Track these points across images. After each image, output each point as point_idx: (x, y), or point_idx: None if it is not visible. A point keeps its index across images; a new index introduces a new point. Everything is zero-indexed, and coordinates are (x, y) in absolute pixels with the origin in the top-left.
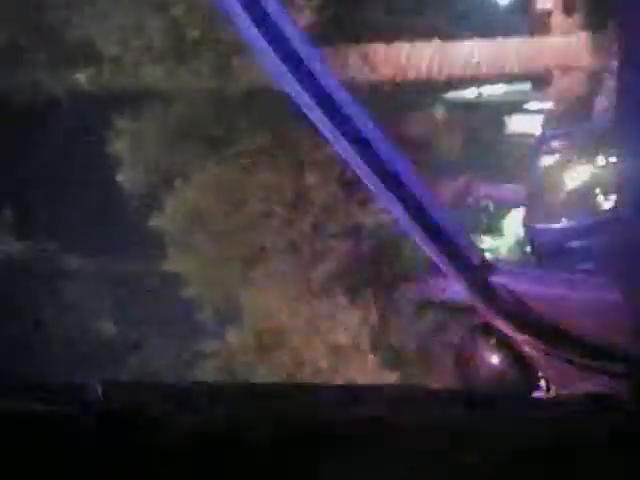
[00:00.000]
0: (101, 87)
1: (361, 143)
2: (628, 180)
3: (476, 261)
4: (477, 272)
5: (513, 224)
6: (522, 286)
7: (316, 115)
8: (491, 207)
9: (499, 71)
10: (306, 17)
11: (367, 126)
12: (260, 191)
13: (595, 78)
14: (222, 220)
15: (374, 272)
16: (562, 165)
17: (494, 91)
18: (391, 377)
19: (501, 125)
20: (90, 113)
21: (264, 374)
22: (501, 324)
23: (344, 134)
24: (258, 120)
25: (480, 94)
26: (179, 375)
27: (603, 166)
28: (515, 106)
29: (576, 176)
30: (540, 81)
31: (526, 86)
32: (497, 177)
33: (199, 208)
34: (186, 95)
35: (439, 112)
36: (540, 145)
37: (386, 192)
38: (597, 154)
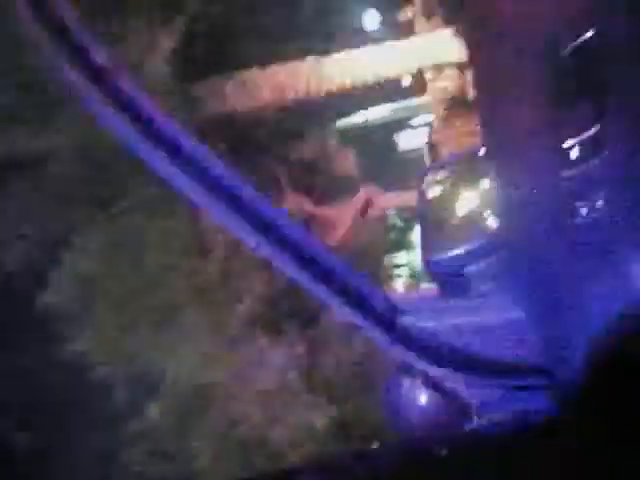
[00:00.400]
0: None
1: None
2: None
3: (381, 303)
4: (384, 314)
5: None
6: (429, 320)
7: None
8: (399, 222)
9: (375, 78)
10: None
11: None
12: (158, 244)
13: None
14: (120, 283)
15: (293, 305)
16: (449, 194)
17: (381, 112)
18: (327, 414)
19: (391, 144)
20: None
21: (195, 443)
22: (417, 362)
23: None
24: (143, 169)
25: (367, 118)
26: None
27: (489, 188)
28: (403, 123)
29: (464, 203)
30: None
31: (411, 101)
32: (393, 189)
33: (92, 276)
34: (57, 156)
35: (329, 138)
36: (425, 176)
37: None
38: (482, 177)
